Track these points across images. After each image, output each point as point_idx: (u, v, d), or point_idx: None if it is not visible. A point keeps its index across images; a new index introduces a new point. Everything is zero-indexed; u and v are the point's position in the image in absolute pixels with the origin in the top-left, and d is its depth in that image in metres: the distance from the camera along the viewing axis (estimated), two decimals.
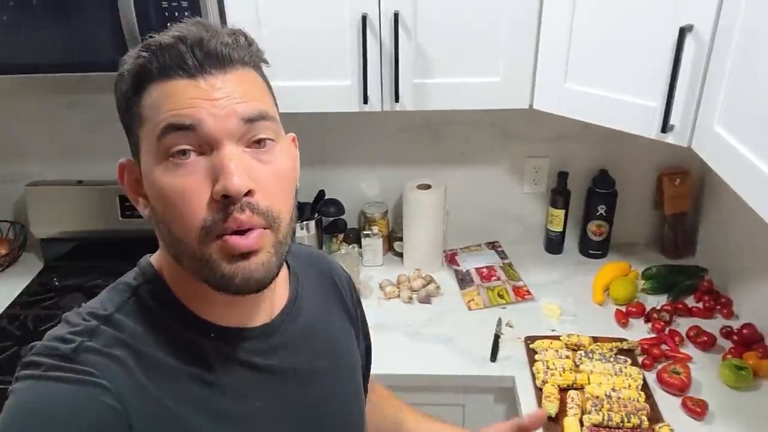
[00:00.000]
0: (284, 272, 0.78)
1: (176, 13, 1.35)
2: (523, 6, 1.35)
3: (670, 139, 1.22)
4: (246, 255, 0.61)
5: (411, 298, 1.67)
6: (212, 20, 1.35)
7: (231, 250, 0.61)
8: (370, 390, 0.97)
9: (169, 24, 1.34)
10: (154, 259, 0.71)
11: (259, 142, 0.63)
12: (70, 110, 1.83)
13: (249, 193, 0.60)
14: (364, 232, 1.82)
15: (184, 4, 1.35)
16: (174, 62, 0.60)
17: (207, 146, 0.61)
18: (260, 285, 0.63)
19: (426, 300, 1.67)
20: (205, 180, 0.60)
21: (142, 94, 0.63)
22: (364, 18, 1.36)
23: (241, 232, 0.61)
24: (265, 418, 0.71)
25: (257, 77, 0.67)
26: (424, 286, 1.70)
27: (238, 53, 0.63)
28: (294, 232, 0.69)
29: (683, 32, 1.11)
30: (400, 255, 1.85)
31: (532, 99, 1.44)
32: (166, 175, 0.61)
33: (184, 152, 0.60)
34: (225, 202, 0.60)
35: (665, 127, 1.20)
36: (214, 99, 0.60)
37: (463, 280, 1.74)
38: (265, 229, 0.62)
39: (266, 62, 0.69)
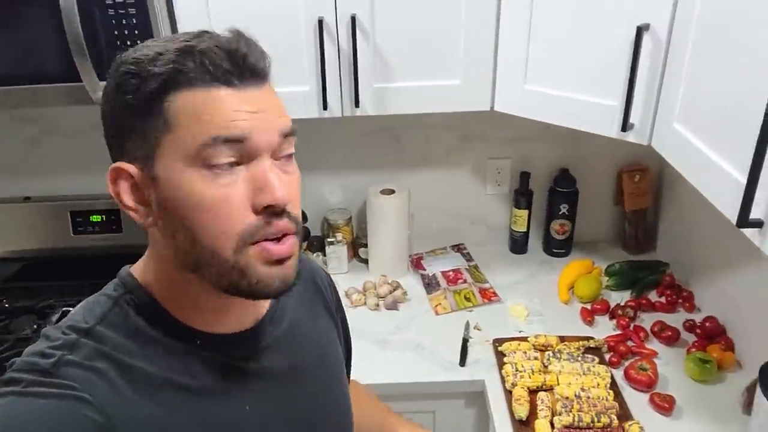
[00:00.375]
0: None
1: (123, 21, 1.30)
2: (480, 8, 1.34)
3: (630, 137, 1.22)
4: (280, 261, 0.63)
5: (378, 305, 1.65)
6: (161, 26, 1.30)
7: (270, 256, 0.62)
8: (355, 393, 0.96)
9: (116, 32, 1.31)
10: (135, 269, 0.70)
11: (287, 156, 0.65)
12: (15, 124, 1.75)
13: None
14: (328, 240, 1.79)
15: (132, 11, 1.30)
16: (217, 70, 0.60)
17: (247, 157, 0.61)
18: (290, 288, 0.65)
19: (393, 306, 1.65)
20: (246, 191, 0.61)
21: (171, 98, 0.59)
22: (320, 22, 1.33)
23: (277, 238, 0.63)
24: (256, 421, 0.71)
25: (276, 93, 0.67)
26: (390, 292, 1.67)
27: (268, 68, 0.64)
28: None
29: (640, 31, 1.12)
30: (366, 261, 1.83)
31: (492, 101, 1.44)
32: (206, 184, 0.60)
33: (228, 164, 0.60)
34: (268, 212, 0.61)
35: (625, 126, 1.20)
36: (258, 111, 0.61)
37: (430, 285, 1.73)
38: (295, 235, 0.65)
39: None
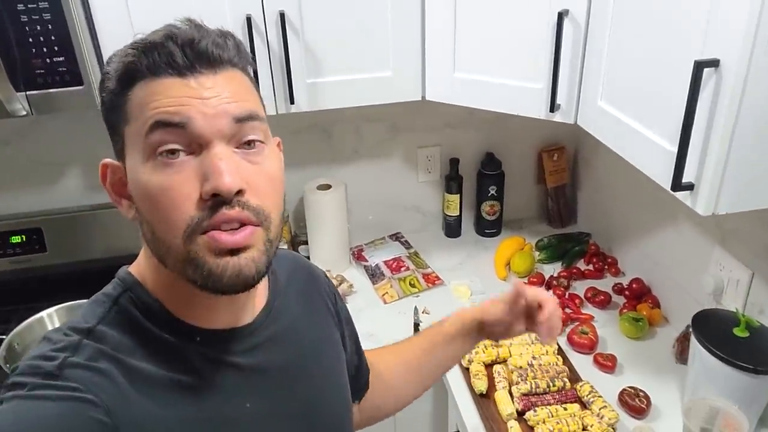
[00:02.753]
0: None
1: (38, 27, 1.22)
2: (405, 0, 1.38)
3: (557, 117, 1.30)
4: (235, 251, 0.60)
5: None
6: (80, 34, 1.24)
7: (218, 245, 0.59)
8: (380, 356, 1.02)
9: (30, 40, 1.23)
10: (133, 267, 0.70)
11: (249, 144, 0.62)
12: None
13: (239, 192, 0.60)
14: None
15: (46, 16, 1.23)
16: (164, 60, 0.60)
17: (196, 145, 0.60)
18: (249, 284, 0.62)
19: None
20: (194, 179, 0.59)
21: (129, 93, 0.61)
22: (248, 19, 1.32)
23: (230, 229, 0.60)
24: (256, 418, 0.71)
25: (245, 79, 0.66)
26: (336, 286, 1.68)
27: (227, 54, 0.63)
28: (281, 234, 0.68)
29: (561, 17, 1.19)
30: (307, 258, 1.82)
31: (424, 91, 1.48)
32: (154, 173, 0.60)
33: (173, 151, 0.59)
34: (215, 201, 0.59)
35: (553, 107, 1.28)
36: (204, 98, 0.60)
37: (374, 275, 1.76)
38: (256, 226, 0.61)
39: (253, 65, 0.69)
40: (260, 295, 0.76)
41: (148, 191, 0.60)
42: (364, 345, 1.49)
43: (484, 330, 0.99)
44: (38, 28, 1.22)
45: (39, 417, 0.56)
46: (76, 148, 1.67)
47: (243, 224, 0.60)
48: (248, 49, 1.29)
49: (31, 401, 0.57)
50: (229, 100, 0.61)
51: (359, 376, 0.97)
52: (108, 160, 0.66)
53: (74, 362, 0.60)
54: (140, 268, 0.69)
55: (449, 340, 1.01)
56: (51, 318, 1.44)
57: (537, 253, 1.84)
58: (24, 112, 1.27)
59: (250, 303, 0.72)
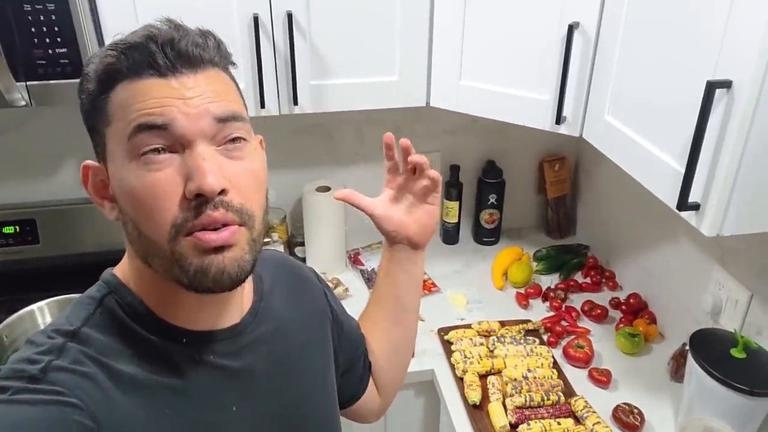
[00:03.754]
0: None
1: (41, 17, 1.20)
2: (415, 4, 1.36)
3: (563, 129, 1.29)
4: (219, 249, 0.60)
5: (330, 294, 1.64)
6: (85, 28, 1.22)
7: (203, 244, 0.60)
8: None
9: (30, 18, 1.21)
10: (117, 269, 0.70)
11: (232, 140, 0.62)
12: None
13: (222, 192, 0.60)
14: (264, 240, 1.75)
15: (50, 6, 1.21)
16: (145, 61, 0.59)
17: (179, 145, 0.60)
18: (234, 282, 0.62)
19: None
20: (177, 178, 0.59)
21: (110, 94, 0.61)
22: (255, 19, 1.30)
23: (214, 229, 0.60)
24: (243, 422, 0.70)
25: (227, 78, 0.66)
26: (332, 289, 1.67)
27: (208, 54, 0.63)
28: (265, 232, 0.67)
29: (571, 29, 1.19)
30: (303, 260, 1.81)
31: (428, 97, 1.47)
32: (137, 173, 0.59)
33: (157, 150, 0.59)
34: (198, 201, 0.59)
35: (559, 119, 1.27)
36: (186, 98, 0.60)
37: (370, 279, 1.74)
38: (239, 226, 0.61)
39: (234, 64, 0.68)
40: (246, 296, 0.75)
41: (133, 190, 0.60)
42: None
43: (382, 228, 0.94)
44: (41, 18, 1.20)
45: (22, 421, 0.55)
46: (73, 140, 1.65)
47: (225, 225, 0.60)
48: (256, 49, 1.31)
49: (15, 405, 0.56)
50: (211, 99, 0.61)
51: (364, 366, 0.97)
52: (89, 162, 0.66)
53: (58, 365, 0.59)
54: (124, 269, 0.69)
55: (384, 272, 0.99)
56: (42, 311, 1.42)
57: (535, 263, 1.83)
58: (23, 102, 1.25)
59: (235, 304, 0.72)
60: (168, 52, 0.59)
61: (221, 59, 0.65)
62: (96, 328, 0.64)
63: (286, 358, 0.78)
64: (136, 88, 0.60)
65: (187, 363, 0.67)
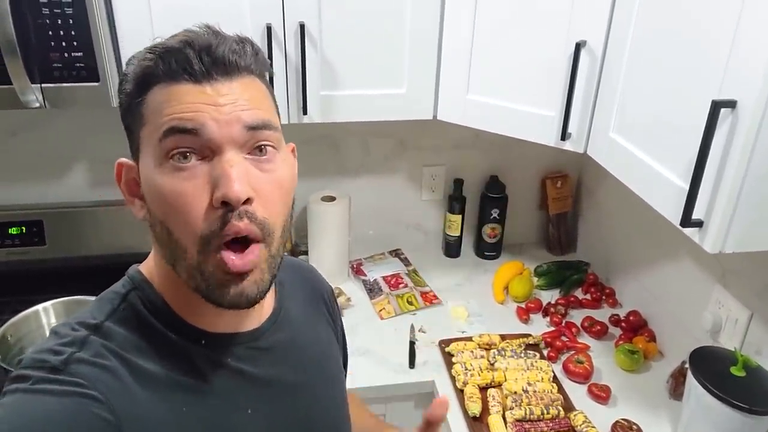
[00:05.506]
0: None
1: (59, 21, 1.23)
2: (424, 19, 1.39)
3: (568, 146, 1.31)
4: (241, 275, 0.61)
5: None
6: (101, 31, 1.24)
7: (228, 268, 0.61)
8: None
9: (48, 21, 1.23)
10: (143, 266, 0.71)
11: (260, 150, 0.63)
12: None
13: (248, 201, 0.60)
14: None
15: (68, 11, 1.23)
16: (180, 66, 0.60)
17: (209, 151, 0.61)
18: (252, 302, 0.63)
19: None
20: (205, 185, 0.60)
21: (146, 96, 0.62)
22: (269, 28, 1.33)
23: (238, 245, 0.61)
24: (258, 425, 0.71)
25: (262, 86, 0.66)
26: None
27: (245, 61, 0.63)
28: (285, 245, 0.68)
29: (578, 47, 1.21)
30: None
31: (435, 110, 1.49)
32: (166, 177, 0.60)
33: (185, 155, 0.60)
34: (224, 209, 0.60)
35: (564, 135, 1.29)
36: (218, 105, 0.60)
37: (372, 290, 1.75)
38: (259, 243, 0.62)
39: (271, 72, 0.69)
40: (267, 301, 0.76)
41: (161, 194, 0.61)
42: (359, 361, 1.50)
43: None
44: (59, 21, 1.22)
45: (41, 411, 0.56)
46: (83, 143, 1.67)
47: (249, 241, 0.61)
48: (268, 58, 1.32)
49: (34, 395, 0.57)
50: (243, 107, 0.61)
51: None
52: (123, 160, 0.67)
53: (80, 358, 0.60)
54: (150, 267, 0.70)
55: None
56: (47, 312, 1.43)
57: (536, 278, 1.84)
58: (37, 104, 1.27)
59: (256, 309, 0.72)
60: (204, 58, 0.60)
61: (258, 67, 0.65)
62: (119, 323, 0.65)
63: (303, 370, 0.78)
64: (171, 93, 0.60)
65: (206, 364, 0.67)
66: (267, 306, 0.76)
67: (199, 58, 0.60)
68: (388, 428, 1.05)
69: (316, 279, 0.93)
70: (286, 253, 0.72)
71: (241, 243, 0.61)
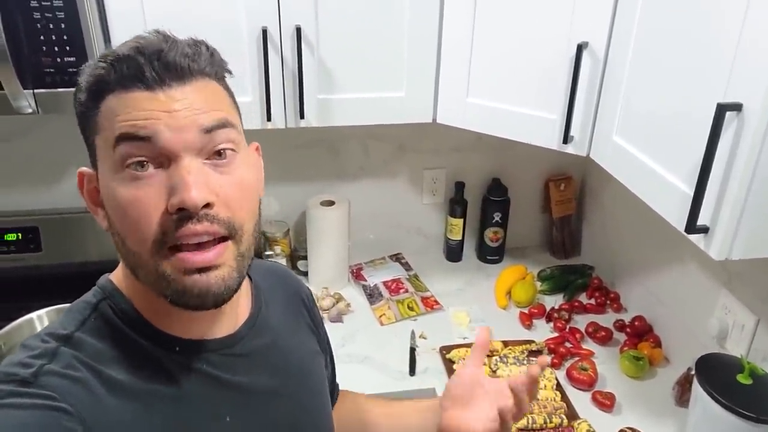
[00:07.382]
0: (247, 284, 0.77)
1: (51, 26, 1.21)
2: (423, 21, 1.37)
3: (570, 149, 1.29)
4: (204, 269, 0.60)
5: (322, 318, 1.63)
6: (94, 37, 1.23)
7: (185, 264, 0.59)
8: (352, 400, 1.00)
9: (39, 26, 1.20)
10: (113, 275, 0.70)
11: (219, 154, 0.62)
12: None
13: (208, 205, 0.59)
14: (266, 253, 1.74)
15: (60, 15, 1.21)
16: (132, 74, 0.59)
17: (165, 159, 0.59)
18: (218, 300, 0.62)
19: (338, 319, 1.63)
20: (161, 193, 0.59)
21: (99, 105, 0.61)
22: (264, 32, 1.30)
23: (197, 245, 0.59)
24: None
25: (219, 87, 0.65)
26: (334, 304, 1.66)
27: (198, 64, 0.62)
28: (256, 245, 0.67)
29: (580, 49, 1.18)
30: (305, 274, 1.80)
31: (435, 113, 1.46)
32: (122, 185, 0.59)
33: (141, 164, 0.59)
34: (181, 216, 0.58)
35: (566, 139, 1.26)
36: (172, 111, 0.59)
37: (372, 295, 1.73)
38: (226, 240, 0.61)
39: (230, 72, 0.67)
40: (243, 306, 0.75)
41: (118, 203, 0.60)
42: (358, 368, 1.47)
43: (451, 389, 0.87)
44: (51, 26, 1.20)
45: (11, 425, 0.55)
46: (77, 149, 1.61)
47: (212, 237, 0.60)
48: (264, 62, 1.30)
49: (4, 409, 0.56)
50: (198, 111, 0.60)
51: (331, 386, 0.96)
52: (84, 169, 0.66)
53: (50, 370, 0.59)
54: (120, 276, 0.69)
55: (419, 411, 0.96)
56: (41, 319, 1.41)
57: (539, 283, 1.81)
58: (30, 110, 1.25)
59: (230, 314, 0.71)
60: (155, 64, 0.59)
61: (213, 68, 0.64)
62: (90, 333, 0.63)
63: (283, 375, 0.77)
64: (124, 101, 0.59)
65: (180, 371, 0.66)
66: (242, 311, 0.74)
67: (150, 64, 0.59)
68: (423, 402, 0.98)
69: (293, 282, 0.92)
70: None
71: (202, 248, 0.60)
